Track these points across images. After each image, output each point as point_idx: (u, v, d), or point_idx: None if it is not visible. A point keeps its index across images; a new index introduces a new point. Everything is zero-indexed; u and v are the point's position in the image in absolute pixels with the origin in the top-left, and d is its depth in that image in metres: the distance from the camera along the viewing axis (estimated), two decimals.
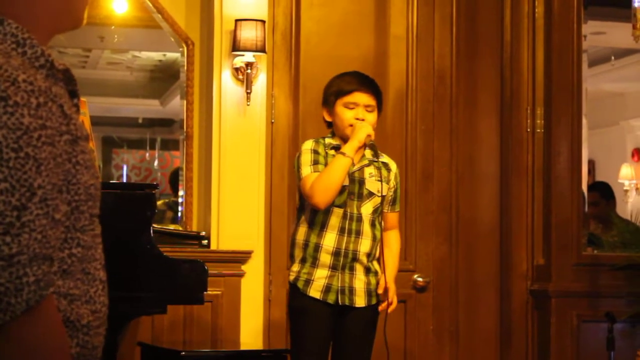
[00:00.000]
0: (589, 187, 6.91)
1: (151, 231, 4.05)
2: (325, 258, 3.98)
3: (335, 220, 3.98)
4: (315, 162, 3.97)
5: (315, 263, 3.99)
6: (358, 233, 3.99)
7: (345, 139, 3.99)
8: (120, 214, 4.02)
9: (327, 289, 3.97)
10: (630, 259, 5.23)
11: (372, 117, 4.03)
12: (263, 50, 4.94)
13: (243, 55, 4.95)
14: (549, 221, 5.28)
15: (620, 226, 5.70)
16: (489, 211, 5.45)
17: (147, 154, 6.55)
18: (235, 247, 4.98)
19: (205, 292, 4.16)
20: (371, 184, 4.03)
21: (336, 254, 3.98)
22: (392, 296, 4.02)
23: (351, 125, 3.99)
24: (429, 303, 5.32)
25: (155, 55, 6.11)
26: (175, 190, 5.60)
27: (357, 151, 3.96)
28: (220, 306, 4.94)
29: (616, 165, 8.87)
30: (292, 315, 4.07)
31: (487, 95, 5.48)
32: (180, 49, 5.30)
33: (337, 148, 3.99)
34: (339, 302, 3.98)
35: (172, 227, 5.38)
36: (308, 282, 3.99)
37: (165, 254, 4.09)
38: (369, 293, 4.02)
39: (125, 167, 6.56)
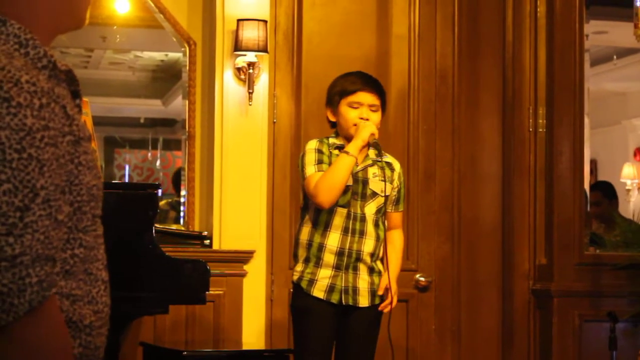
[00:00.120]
0: (592, 187, 6.90)
1: (153, 231, 4.05)
2: (329, 258, 3.98)
3: (339, 220, 3.98)
4: (320, 162, 3.97)
5: (318, 263, 3.99)
6: (362, 233, 3.99)
7: (349, 139, 3.99)
8: (123, 214, 4.02)
9: (330, 289, 3.98)
10: (633, 258, 5.23)
11: (376, 116, 4.04)
12: (265, 50, 4.94)
13: (245, 55, 4.96)
14: (551, 221, 5.27)
15: (622, 226, 5.70)
16: (491, 211, 5.45)
17: (149, 154, 6.56)
18: (238, 247, 4.98)
19: (207, 292, 4.17)
20: (375, 184, 4.03)
21: (340, 253, 3.98)
22: (392, 296, 4.02)
23: (355, 125, 3.99)
24: (431, 303, 5.32)
25: (158, 55, 6.11)
26: (178, 190, 5.60)
27: (360, 150, 3.96)
28: (223, 306, 4.95)
29: (618, 164, 8.86)
30: (296, 315, 4.07)
31: (489, 94, 5.48)
32: (182, 49, 5.30)
33: (341, 148, 3.99)
34: (343, 302, 3.98)
35: (174, 227, 5.38)
36: (312, 282, 3.99)
37: (167, 253, 4.10)
38: (372, 293, 4.02)
39: (127, 167, 6.56)
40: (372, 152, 4.06)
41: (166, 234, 4.93)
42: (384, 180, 4.02)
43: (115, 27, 5.59)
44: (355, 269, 3.99)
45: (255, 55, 4.96)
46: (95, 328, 1.50)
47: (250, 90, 4.98)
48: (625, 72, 8.16)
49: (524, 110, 5.42)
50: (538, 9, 5.40)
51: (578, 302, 5.23)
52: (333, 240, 3.98)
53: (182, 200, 5.32)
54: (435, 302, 5.33)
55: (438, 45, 5.42)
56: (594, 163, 8.30)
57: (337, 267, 3.98)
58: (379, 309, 4.03)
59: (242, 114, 5.02)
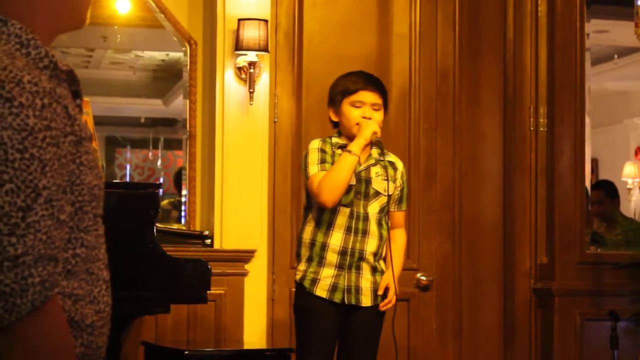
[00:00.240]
0: (594, 186, 6.91)
1: (154, 231, 4.05)
2: (332, 257, 3.98)
3: (342, 219, 3.98)
4: (323, 161, 3.97)
5: (321, 262, 3.99)
6: (365, 232, 3.99)
7: (352, 138, 3.99)
8: (124, 213, 4.03)
9: (333, 288, 3.98)
10: (634, 257, 5.22)
11: (378, 115, 4.04)
12: (266, 50, 4.94)
13: (246, 54, 4.96)
14: (552, 220, 5.27)
15: (624, 224, 5.70)
16: (492, 209, 5.45)
17: (150, 154, 6.56)
18: (239, 246, 4.98)
19: (208, 292, 4.17)
20: (377, 183, 4.03)
21: (343, 253, 3.98)
22: (392, 296, 4.02)
23: (358, 124, 3.99)
24: (432, 301, 5.32)
25: (158, 55, 6.11)
26: (179, 190, 5.61)
27: (363, 149, 3.97)
28: (224, 305, 4.95)
29: (619, 163, 8.86)
30: (298, 314, 4.07)
31: (490, 93, 5.48)
32: (183, 49, 5.30)
33: (344, 147, 3.99)
34: (345, 301, 3.98)
35: (175, 226, 5.39)
36: (314, 281, 3.99)
37: (168, 253, 4.10)
38: (375, 292, 4.03)
39: (128, 167, 6.57)
40: (375, 152, 4.07)
41: (167, 233, 4.93)
42: (387, 180, 4.03)
43: (116, 26, 5.59)
44: (358, 268, 3.99)
45: (256, 55, 4.96)
46: (97, 327, 1.50)
47: (251, 90, 4.99)
48: (626, 71, 8.16)
49: (525, 109, 5.42)
50: (539, 8, 5.40)
51: (579, 301, 5.23)
52: (336, 239, 3.98)
53: (183, 199, 5.33)
54: (436, 301, 5.33)
55: (439, 44, 5.42)
56: (595, 162, 8.30)
57: (339, 267, 3.98)
58: (379, 307, 4.03)
59: (243, 114, 5.03)
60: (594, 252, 5.42)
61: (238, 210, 4.99)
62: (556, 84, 5.30)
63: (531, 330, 5.34)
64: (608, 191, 6.48)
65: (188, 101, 5.26)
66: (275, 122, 5.15)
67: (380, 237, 4.02)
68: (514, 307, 5.37)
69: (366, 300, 4.00)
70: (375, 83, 4.08)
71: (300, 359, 4.05)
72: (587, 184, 5.46)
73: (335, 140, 4.06)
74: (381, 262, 4.06)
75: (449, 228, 5.37)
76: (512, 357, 5.37)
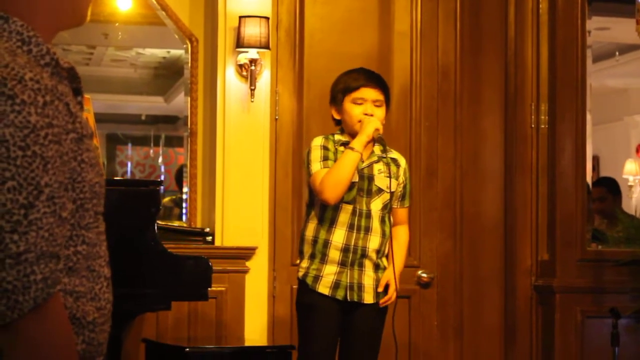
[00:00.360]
0: (596, 182, 6.91)
1: (156, 228, 4.06)
2: (334, 254, 3.98)
3: (344, 216, 3.98)
4: (325, 158, 3.97)
5: (324, 259, 3.99)
6: (367, 229, 3.99)
7: (354, 136, 3.99)
8: (125, 210, 4.03)
9: (335, 285, 3.98)
10: (635, 254, 5.22)
11: (380, 112, 4.04)
12: (267, 47, 4.94)
13: (247, 52, 4.96)
14: (554, 217, 5.28)
15: (625, 222, 5.70)
16: (493, 207, 5.45)
17: (152, 151, 6.56)
18: (240, 243, 4.98)
19: (209, 289, 4.17)
20: (380, 180, 4.03)
21: (345, 250, 3.98)
22: (392, 292, 4.02)
23: (360, 121, 3.99)
24: (433, 299, 5.32)
25: (159, 52, 6.11)
26: (180, 187, 5.61)
27: (365, 146, 3.97)
28: (225, 302, 4.95)
29: (620, 160, 8.85)
30: (301, 311, 4.07)
31: (491, 91, 5.48)
32: (184, 46, 5.31)
33: (346, 144, 3.99)
34: (348, 298, 3.98)
35: (176, 223, 5.39)
36: (317, 278, 3.99)
37: (169, 250, 4.10)
38: (377, 289, 4.03)
39: (129, 164, 6.57)
40: (377, 149, 4.07)
41: (168, 230, 4.93)
42: (389, 177, 4.02)
43: (117, 24, 5.59)
44: (361, 265, 4.00)
45: (257, 52, 4.96)
46: (98, 324, 1.50)
47: (252, 87, 4.99)
48: (627, 69, 8.15)
49: (526, 106, 5.42)
50: (540, 5, 5.39)
51: (580, 298, 5.23)
52: (338, 236, 3.98)
53: (184, 197, 5.33)
54: (437, 298, 5.33)
55: (440, 42, 5.41)
56: (596, 159, 8.29)
57: (342, 264, 3.98)
58: (379, 304, 4.02)
59: (244, 111, 5.03)
60: (595, 250, 5.42)
61: (239, 208, 4.99)
62: (557, 82, 5.30)
63: (532, 328, 5.34)
64: (610, 188, 6.47)
65: (189, 98, 5.26)
66: (276, 119, 5.15)
67: (383, 234, 4.02)
68: (514, 304, 5.37)
69: (368, 298, 4.00)
70: (376, 79, 4.08)
71: (303, 356, 4.05)
72: (588, 181, 5.46)
73: (338, 137, 4.06)
74: (384, 259, 4.06)
75: (450, 226, 5.38)
76: (513, 354, 5.37)
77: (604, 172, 8.76)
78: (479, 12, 5.48)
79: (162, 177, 6.42)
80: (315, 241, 4.01)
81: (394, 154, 4.15)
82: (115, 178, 6.07)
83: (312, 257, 4.02)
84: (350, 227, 3.98)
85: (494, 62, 5.48)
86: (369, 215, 4.00)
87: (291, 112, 5.19)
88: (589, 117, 5.39)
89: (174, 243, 4.64)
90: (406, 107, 5.34)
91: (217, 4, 5.06)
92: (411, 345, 5.23)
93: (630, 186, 8.48)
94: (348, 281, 3.98)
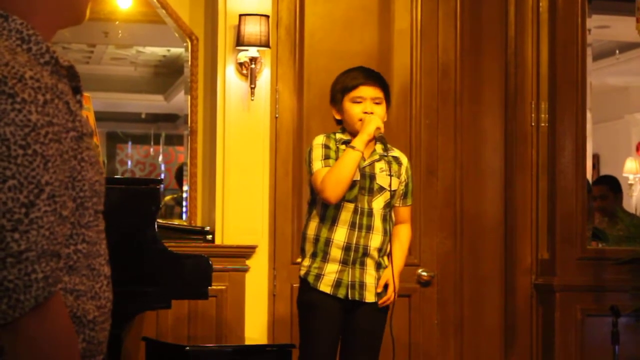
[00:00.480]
0: (598, 180, 6.91)
1: (156, 226, 4.05)
2: (336, 253, 3.98)
3: (346, 215, 3.98)
4: (326, 157, 3.97)
5: (325, 258, 3.99)
6: (369, 228, 3.99)
7: (356, 135, 3.98)
8: (125, 209, 4.03)
9: (337, 284, 3.98)
10: (635, 252, 5.22)
11: (380, 109, 4.03)
12: (267, 45, 4.94)
13: (247, 50, 4.96)
14: (554, 215, 5.28)
15: (625, 220, 5.70)
16: (494, 206, 5.45)
17: (152, 150, 6.56)
18: (240, 241, 4.98)
19: (209, 287, 4.17)
20: (382, 179, 4.03)
21: (347, 248, 3.98)
22: (391, 292, 4.02)
23: (361, 120, 3.98)
24: (433, 297, 5.32)
25: (160, 51, 6.11)
26: (181, 186, 5.61)
27: (367, 145, 3.96)
28: (225, 301, 4.95)
29: (621, 159, 8.85)
30: (302, 309, 4.07)
31: (492, 89, 5.48)
32: (185, 44, 5.30)
33: (348, 143, 3.99)
34: (349, 296, 3.98)
35: (176, 222, 5.39)
36: (318, 277, 3.99)
37: (169, 249, 4.10)
38: (377, 290, 4.02)
39: (129, 163, 6.57)
40: (379, 147, 4.06)
41: (169, 229, 4.93)
42: (391, 175, 4.02)
43: (117, 22, 5.59)
44: (363, 264, 3.99)
45: (258, 50, 4.96)
46: (99, 323, 1.50)
47: (253, 86, 4.99)
48: (627, 67, 8.16)
49: (526, 105, 5.42)
50: (540, 4, 5.39)
51: (580, 297, 5.23)
52: (340, 235, 3.98)
53: (184, 195, 5.33)
54: (437, 296, 5.33)
55: (440, 41, 5.41)
56: (596, 158, 8.30)
57: (344, 262, 3.98)
58: (379, 304, 4.02)
59: (244, 109, 5.03)
60: (595, 248, 5.42)
61: (239, 206, 4.99)
62: (557, 80, 5.30)
63: (532, 326, 5.34)
64: (612, 186, 6.47)
65: (189, 97, 5.26)
66: (276, 117, 5.15)
67: (385, 232, 4.02)
68: (515, 303, 5.37)
69: (370, 296, 4.00)
70: (374, 77, 4.07)
71: (304, 354, 4.05)
72: (589, 179, 5.46)
73: (339, 136, 4.05)
74: (386, 258, 4.05)
75: (450, 224, 5.38)
76: (513, 353, 5.37)
77: (604, 171, 8.77)
78: (479, 11, 5.48)
79: (162, 176, 6.43)
80: (317, 240, 4.01)
81: (395, 152, 4.15)
82: (116, 176, 6.07)
83: (314, 255, 4.02)
84: (352, 225, 3.98)
85: (494, 60, 5.48)
86: (370, 214, 4.00)
87: (291, 110, 5.19)
88: (589, 115, 5.39)
89: (174, 241, 4.64)
90: (406, 105, 5.34)
91: (217, 2, 5.06)
92: (411, 343, 5.23)
93: (631, 184, 8.49)
94: (349, 280, 3.98)
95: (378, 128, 3.95)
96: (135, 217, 4.06)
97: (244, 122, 5.02)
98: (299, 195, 5.09)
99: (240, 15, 4.94)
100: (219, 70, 5.04)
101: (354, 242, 3.98)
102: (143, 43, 6.02)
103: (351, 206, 3.98)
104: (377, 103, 4.03)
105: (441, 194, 5.37)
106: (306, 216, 4.14)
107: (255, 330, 5.00)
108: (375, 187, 4.02)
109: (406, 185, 4.14)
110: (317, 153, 3.99)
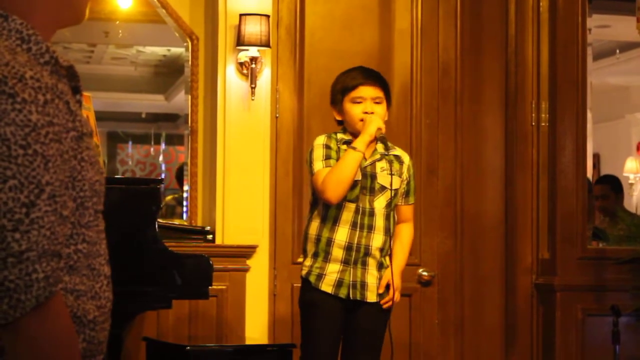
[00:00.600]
0: (600, 180, 6.91)
1: (156, 226, 4.05)
2: (338, 252, 3.98)
3: (347, 214, 3.98)
4: (327, 157, 3.96)
5: (327, 257, 3.99)
6: (370, 228, 3.98)
7: (357, 135, 3.97)
8: (126, 209, 4.03)
9: (339, 284, 3.97)
10: (636, 252, 5.22)
11: (381, 109, 4.03)
12: (267, 45, 4.94)
13: (247, 49, 4.96)
14: (554, 215, 5.28)
15: (626, 219, 5.70)
16: (494, 205, 5.44)
17: (152, 149, 6.57)
18: (240, 241, 4.98)
19: (210, 287, 4.17)
20: (383, 178, 4.02)
21: (348, 248, 3.97)
22: (392, 293, 4.01)
23: (362, 120, 3.98)
24: (434, 297, 5.32)
25: (160, 50, 6.12)
26: (181, 186, 5.61)
27: (368, 145, 3.96)
28: (225, 301, 4.95)
29: (621, 158, 8.86)
30: (303, 309, 4.07)
31: (492, 89, 5.48)
32: (185, 44, 5.30)
33: (349, 143, 3.98)
34: (351, 296, 3.97)
35: (177, 222, 5.39)
36: (320, 277, 3.99)
37: (170, 248, 4.10)
38: (378, 290, 4.02)
39: (130, 162, 6.57)
40: (380, 146, 4.06)
41: (169, 229, 4.93)
42: (392, 174, 4.02)
43: (117, 22, 5.60)
44: (364, 264, 3.99)
45: (258, 50, 4.96)
46: (99, 323, 1.50)
47: (253, 85, 4.98)
48: (628, 66, 8.16)
49: (527, 104, 5.42)
50: (541, 3, 5.39)
51: (581, 296, 5.23)
52: (341, 235, 3.98)
53: (184, 195, 5.33)
54: (438, 296, 5.33)
55: (440, 40, 5.41)
56: (596, 157, 8.30)
57: (345, 262, 3.98)
58: (381, 304, 4.02)
59: (245, 109, 5.02)
60: (596, 248, 5.42)
61: (240, 206, 4.99)
62: (558, 79, 5.30)
63: (533, 326, 5.34)
64: (613, 185, 6.47)
65: (190, 96, 5.26)
66: (276, 117, 5.15)
67: (387, 232, 4.01)
68: (515, 302, 5.37)
69: (371, 296, 4.00)
70: (374, 77, 4.07)
71: (305, 354, 4.05)
72: (589, 179, 5.46)
73: (340, 136, 4.05)
74: (387, 258, 4.04)
75: (451, 224, 5.37)
76: (514, 352, 5.37)
77: (605, 170, 8.77)
78: (479, 10, 5.48)
79: (163, 176, 6.43)
80: (318, 239, 4.01)
81: (397, 151, 4.14)
82: (116, 176, 6.07)
83: (316, 255, 4.01)
84: (354, 225, 3.98)
85: (495, 59, 5.48)
86: (372, 214, 3.99)
87: (292, 110, 5.19)
88: (589, 115, 5.39)
89: (175, 241, 4.64)
90: (406, 104, 5.34)
91: (217, 2, 5.06)
92: (412, 343, 5.23)
93: (631, 184, 8.49)
94: (351, 279, 3.98)
95: (379, 128, 3.94)
96: (136, 216, 4.06)
97: (244, 121, 5.02)
98: (299, 195, 5.09)
99: (241, 15, 4.94)
100: (219, 70, 5.04)
101: (356, 242, 3.97)
102: (143, 43, 6.03)
103: (353, 206, 3.98)
104: (377, 103, 4.03)
105: (441, 193, 5.37)
106: (308, 216, 4.13)
107: (256, 330, 5.00)
108: (377, 186, 4.01)
109: (408, 184, 4.13)
110: (318, 153, 3.98)
